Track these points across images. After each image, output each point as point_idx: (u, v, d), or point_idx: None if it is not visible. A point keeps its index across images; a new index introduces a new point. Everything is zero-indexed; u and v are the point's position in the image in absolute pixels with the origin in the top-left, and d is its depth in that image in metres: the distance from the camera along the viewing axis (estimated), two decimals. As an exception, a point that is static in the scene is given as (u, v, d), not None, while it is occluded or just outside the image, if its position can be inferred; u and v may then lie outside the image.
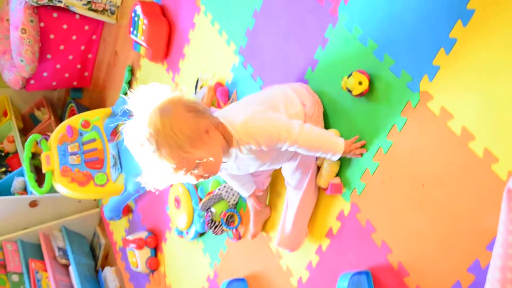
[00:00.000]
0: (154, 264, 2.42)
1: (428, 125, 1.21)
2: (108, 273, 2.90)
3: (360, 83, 1.33)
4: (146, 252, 2.42)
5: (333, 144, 1.36)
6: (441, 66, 1.17)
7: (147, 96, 1.23)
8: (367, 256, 1.40)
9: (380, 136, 1.34)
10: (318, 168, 1.49)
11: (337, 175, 1.46)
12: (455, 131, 1.15)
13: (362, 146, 1.39)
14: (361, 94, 1.35)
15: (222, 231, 1.88)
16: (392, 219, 1.33)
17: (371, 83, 1.34)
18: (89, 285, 2.89)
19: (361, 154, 1.39)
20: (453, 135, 1.16)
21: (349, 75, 1.35)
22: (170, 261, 2.34)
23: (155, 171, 1.22)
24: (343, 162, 1.45)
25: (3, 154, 3.26)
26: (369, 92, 1.35)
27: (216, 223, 1.88)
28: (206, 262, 2.07)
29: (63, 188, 2.36)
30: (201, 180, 1.29)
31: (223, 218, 1.84)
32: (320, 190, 1.52)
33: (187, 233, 2.11)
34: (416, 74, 1.23)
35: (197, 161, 1.22)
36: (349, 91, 1.36)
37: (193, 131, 1.21)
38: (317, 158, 1.49)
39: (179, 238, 2.19)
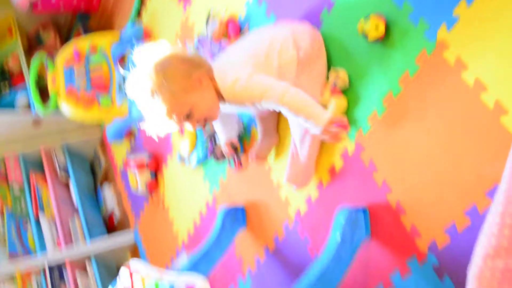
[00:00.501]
0: (153, 187, 2.49)
1: (441, 74, 1.24)
2: (107, 191, 2.98)
3: (376, 28, 1.35)
4: (147, 174, 2.49)
5: (315, 115, 1.37)
6: (461, 16, 1.19)
7: (148, 51, 1.42)
8: (366, 194, 1.46)
9: (391, 80, 1.37)
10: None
11: (345, 113, 1.49)
12: (468, 82, 1.18)
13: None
14: (376, 39, 1.37)
15: (224, 158, 1.93)
16: (395, 161, 1.38)
17: (387, 28, 1.36)
18: (88, 201, 2.98)
19: (339, 139, 1.39)
20: (465, 86, 1.19)
21: (366, 18, 1.37)
22: (169, 185, 2.41)
23: (154, 117, 1.41)
24: (351, 101, 1.48)
25: (7, 72, 3.26)
26: (384, 38, 1.37)
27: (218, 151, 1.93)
28: (205, 188, 2.14)
29: (68, 108, 2.38)
30: (200, 126, 1.47)
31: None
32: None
33: (189, 159, 2.16)
34: (434, 23, 1.25)
35: (190, 107, 1.40)
36: (365, 35, 1.37)
37: (184, 79, 1.39)
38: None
39: (180, 163, 2.24)
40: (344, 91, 1.49)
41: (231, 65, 1.49)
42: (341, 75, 1.48)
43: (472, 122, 1.19)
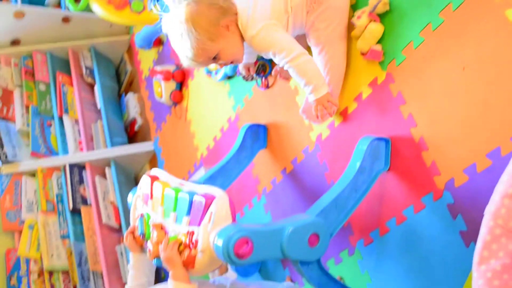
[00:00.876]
0: (178, 97, 2.50)
1: (485, 9, 1.19)
2: (131, 99, 3.00)
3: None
4: (172, 84, 2.49)
5: (317, 84, 1.47)
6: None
7: None
8: (391, 126, 1.45)
9: (432, 12, 1.32)
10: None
11: (380, 41, 1.46)
12: (511, 20, 1.14)
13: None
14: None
15: (252, 78, 1.92)
16: (424, 95, 1.36)
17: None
18: (111, 106, 3.01)
19: (323, 119, 1.54)
20: (508, 23, 1.14)
21: None
22: (194, 97, 2.42)
23: (183, 57, 1.49)
24: (387, 30, 1.44)
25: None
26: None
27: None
28: (229, 104, 2.14)
29: (99, 8, 2.36)
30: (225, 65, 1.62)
31: (255, 65, 1.87)
32: (358, 53, 1.52)
33: (216, 73, 2.15)
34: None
35: (216, 52, 1.45)
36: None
37: (212, 26, 1.43)
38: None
39: (206, 76, 2.24)
40: (382, 18, 1.45)
41: (254, 13, 1.48)
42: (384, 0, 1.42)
43: (510, 65, 1.16)
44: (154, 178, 1.51)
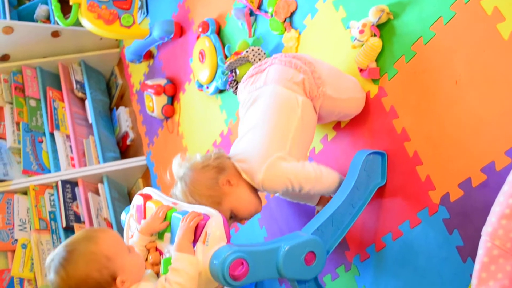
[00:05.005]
0: (169, 112, 2.48)
1: (477, 23, 1.19)
2: (122, 113, 2.98)
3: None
4: (163, 99, 2.48)
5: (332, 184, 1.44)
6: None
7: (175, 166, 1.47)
8: (384, 140, 1.44)
9: (423, 26, 1.31)
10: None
11: (374, 56, 1.45)
12: (503, 35, 1.13)
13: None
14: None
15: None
16: (417, 110, 1.35)
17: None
18: (102, 121, 2.99)
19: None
20: (500, 38, 1.14)
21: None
22: (185, 111, 2.40)
23: None
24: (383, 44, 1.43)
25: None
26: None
27: (238, 84, 1.90)
28: (221, 118, 2.13)
29: (89, 23, 2.35)
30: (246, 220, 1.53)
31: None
32: (353, 67, 1.51)
33: (207, 87, 2.14)
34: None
35: (229, 212, 1.42)
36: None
37: (211, 189, 1.39)
38: None
39: (198, 91, 2.22)
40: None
41: (252, 155, 1.42)
42: (387, 10, 1.40)
43: (503, 79, 1.15)
44: (146, 197, 1.50)
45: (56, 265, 1.21)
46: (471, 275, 0.93)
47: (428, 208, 1.33)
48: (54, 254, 1.23)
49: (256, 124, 1.45)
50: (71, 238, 1.27)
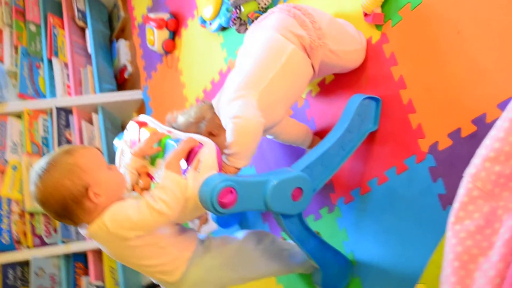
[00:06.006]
0: (170, 47, 2.47)
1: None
2: (122, 45, 2.96)
3: None
4: (165, 33, 2.46)
5: (233, 159, 1.37)
6: None
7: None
8: (381, 86, 1.46)
9: (431, -27, 1.31)
10: None
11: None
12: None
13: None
14: None
15: (246, 30, 1.90)
16: (417, 58, 1.36)
17: None
18: (101, 52, 2.97)
19: None
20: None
21: None
22: (186, 47, 2.40)
23: None
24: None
25: None
26: None
27: (242, 21, 1.89)
28: (221, 56, 2.13)
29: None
30: None
31: (250, 18, 1.85)
32: (358, 11, 1.51)
33: (210, 24, 2.13)
34: None
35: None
36: None
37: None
38: None
39: (200, 27, 2.21)
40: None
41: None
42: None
43: (506, 33, 1.16)
44: (142, 124, 1.51)
45: (34, 176, 1.26)
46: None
47: (416, 156, 1.36)
48: (35, 166, 1.28)
49: (240, 65, 1.47)
50: (53, 152, 1.32)
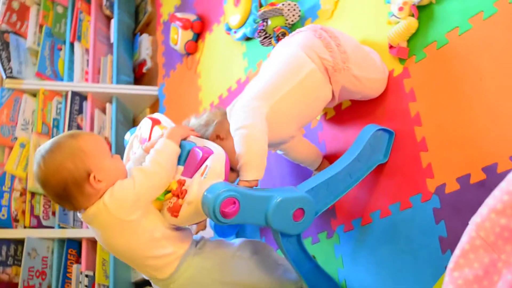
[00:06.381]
0: (192, 48, 2.48)
1: (516, 24, 1.19)
2: (145, 40, 2.98)
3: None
4: (189, 34, 2.47)
5: (244, 170, 1.36)
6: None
7: None
8: (396, 119, 1.46)
9: (462, 17, 1.32)
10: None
11: (408, 38, 1.45)
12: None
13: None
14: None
15: (270, 43, 1.91)
16: (436, 97, 1.36)
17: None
18: (124, 43, 2.99)
19: None
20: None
21: None
22: (208, 51, 2.41)
23: None
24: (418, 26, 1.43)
25: None
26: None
27: (267, 34, 1.90)
28: (242, 65, 2.13)
29: None
30: None
31: (276, 32, 1.86)
32: (383, 42, 1.52)
33: (235, 32, 2.14)
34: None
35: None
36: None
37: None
38: None
39: (225, 33, 2.22)
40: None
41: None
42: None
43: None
44: (155, 122, 1.52)
45: (38, 156, 1.29)
46: (446, 267, 0.96)
47: (422, 195, 1.36)
48: (40, 147, 1.31)
49: (260, 75, 1.49)
50: (59, 135, 1.35)
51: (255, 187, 1.36)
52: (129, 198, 1.28)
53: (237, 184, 1.36)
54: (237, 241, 1.50)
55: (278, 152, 1.59)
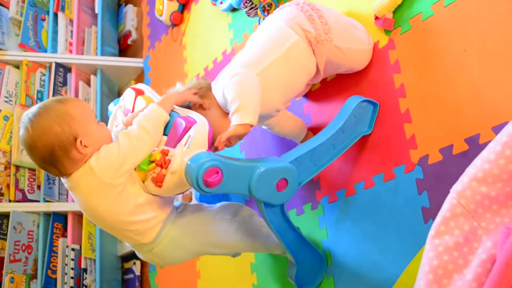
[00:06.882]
0: (177, 19, 2.45)
1: (502, -3, 1.19)
2: (130, 11, 2.93)
3: None
4: (174, 5, 2.44)
5: (238, 116, 1.34)
6: None
7: None
8: (381, 91, 1.46)
9: (448, -13, 1.31)
10: None
11: (393, 10, 1.45)
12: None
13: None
14: None
15: (256, 14, 1.89)
16: (420, 69, 1.36)
17: None
18: (108, 14, 2.94)
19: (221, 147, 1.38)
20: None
21: None
22: (193, 22, 2.38)
23: None
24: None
25: None
26: None
27: (253, 5, 1.88)
28: (228, 37, 2.11)
29: None
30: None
31: (262, 3, 1.84)
32: (369, 13, 1.51)
33: (221, 2, 2.11)
34: None
35: None
36: None
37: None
38: None
39: (211, 4, 2.20)
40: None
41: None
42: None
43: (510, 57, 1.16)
44: (138, 92, 1.50)
45: (25, 119, 1.29)
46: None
47: (405, 166, 1.37)
48: (27, 111, 1.30)
49: (245, 49, 1.49)
50: (45, 100, 1.36)
51: (239, 158, 1.36)
52: (115, 160, 1.29)
53: (230, 128, 1.35)
54: (218, 204, 1.52)
55: (263, 127, 1.58)
